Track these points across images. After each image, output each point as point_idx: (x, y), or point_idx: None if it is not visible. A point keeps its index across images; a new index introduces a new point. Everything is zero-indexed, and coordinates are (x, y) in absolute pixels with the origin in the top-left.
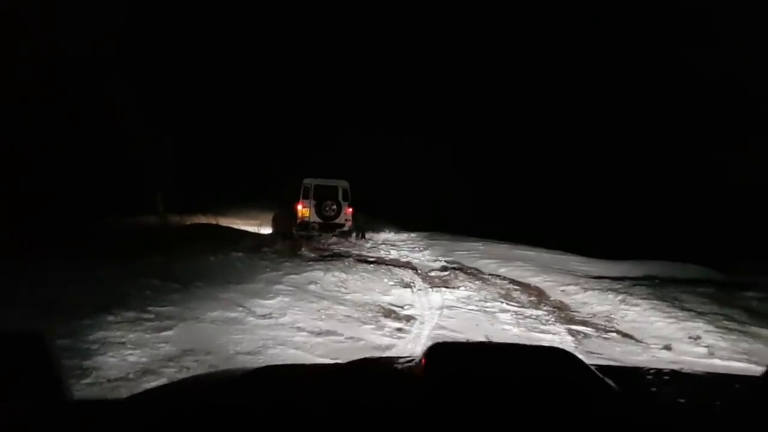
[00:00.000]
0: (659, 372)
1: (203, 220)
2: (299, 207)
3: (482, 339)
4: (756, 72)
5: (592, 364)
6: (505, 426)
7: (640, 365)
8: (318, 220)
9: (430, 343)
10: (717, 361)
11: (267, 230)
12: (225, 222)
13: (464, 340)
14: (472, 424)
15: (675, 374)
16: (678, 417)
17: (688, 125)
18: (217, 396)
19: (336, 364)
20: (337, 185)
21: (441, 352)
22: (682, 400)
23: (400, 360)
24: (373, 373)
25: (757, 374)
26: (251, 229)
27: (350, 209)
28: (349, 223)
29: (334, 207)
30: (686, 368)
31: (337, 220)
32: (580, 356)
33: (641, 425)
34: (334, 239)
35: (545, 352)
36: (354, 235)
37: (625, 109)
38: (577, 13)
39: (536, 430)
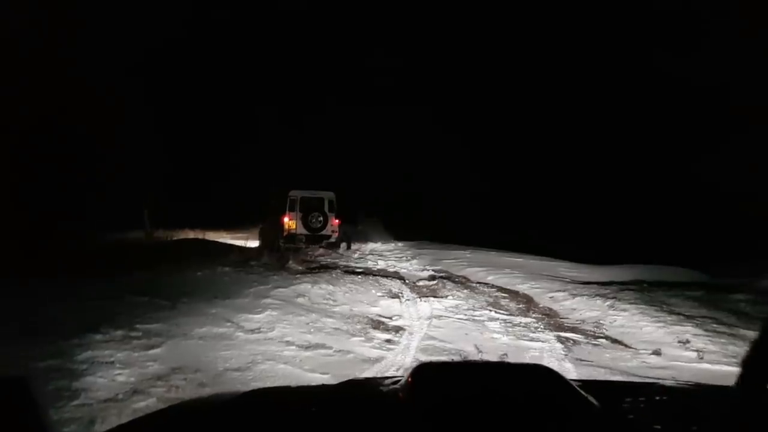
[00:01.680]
0: (648, 386)
1: (191, 234)
2: (285, 219)
3: (472, 348)
4: (734, 76)
5: (577, 380)
6: None
7: (631, 377)
8: (305, 232)
9: (415, 364)
10: (707, 366)
11: (255, 243)
12: (212, 236)
13: (448, 360)
14: None
15: (664, 389)
16: None
17: (671, 131)
18: (203, 425)
19: (323, 386)
20: (323, 197)
21: (426, 373)
22: (665, 419)
23: (386, 381)
24: (360, 396)
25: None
26: (238, 242)
27: (336, 220)
28: (336, 234)
29: (321, 218)
30: (676, 378)
31: (323, 232)
32: (569, 364)
33: None
34: (321, 251)
35: (528, 370)
36: (342, 246)
37: (612, 115)
38: (562, 18)
39: None
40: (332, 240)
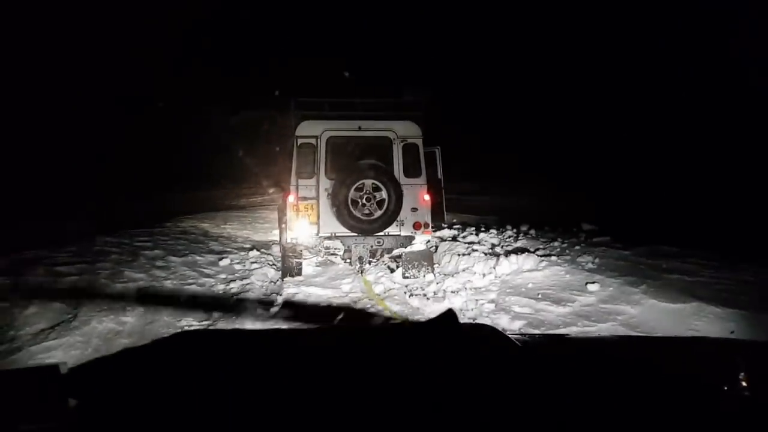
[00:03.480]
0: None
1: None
2: (289, 200)
3: None
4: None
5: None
6: None
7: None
8: (342, 230)
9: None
10: None
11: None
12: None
13: None
14: None
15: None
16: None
17: None
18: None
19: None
20: (389, 135)
21: None
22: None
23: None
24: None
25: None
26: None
27: (429, 194)
28: (426, 231)
29: (383, 194)
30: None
31: (390, 229)
32: None
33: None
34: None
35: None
36: (424, 270)
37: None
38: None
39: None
40: (416, 248)
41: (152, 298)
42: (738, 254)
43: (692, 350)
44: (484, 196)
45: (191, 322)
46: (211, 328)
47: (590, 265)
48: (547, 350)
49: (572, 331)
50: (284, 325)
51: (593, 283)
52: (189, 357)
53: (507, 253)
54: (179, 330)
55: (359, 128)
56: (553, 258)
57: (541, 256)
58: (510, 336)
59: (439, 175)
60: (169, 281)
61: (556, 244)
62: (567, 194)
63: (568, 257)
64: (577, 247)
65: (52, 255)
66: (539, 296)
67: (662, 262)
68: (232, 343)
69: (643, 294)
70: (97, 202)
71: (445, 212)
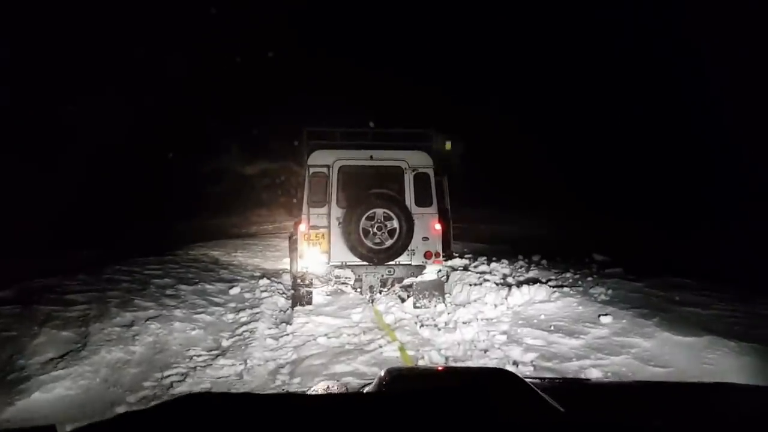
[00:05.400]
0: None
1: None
2: (300, 229)
3: None
4: None
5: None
6: None
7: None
8: (353, 259)
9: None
10: None
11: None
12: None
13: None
14: None
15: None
16: None
17: None
18: None
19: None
20: (401, 165)
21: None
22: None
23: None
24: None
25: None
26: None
27: (439, 225)
28: (437, 261)
29: (395, 223)
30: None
31: (402, 258)
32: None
33: None
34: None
35: (488, 374)
36: (435, 300)
37: None
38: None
39: None
40: (427, 278)
41: (162, 328)
42: (751, 287)
43: (710, 397)
44: (496, 224)
45: (200, 351)
46: (218, 392)
47: (603, 297)
48: (567, 398)
49: (585, 364)
50: (294, 356)
51: (606, 315)
52: (192, 425)
53: (519, 284)
54: (187, 359)
55: (371, 158)
56: (566, 289)
57: (553, 287)
58: (530, 382)
59: (447, 204)
60: (178, 310)
61: (568, 275)
62: (581, 222)
63: (580, 288)
64: (590, 279)
65: (62, 284)
66: (552, 328)
67: (675, 294)
68: (240, 410)
69: (656, 327)
70: (109, 230)
71: (452, 242)
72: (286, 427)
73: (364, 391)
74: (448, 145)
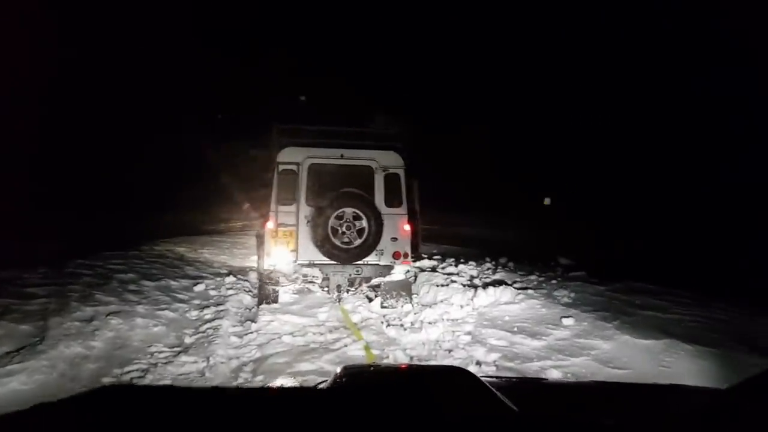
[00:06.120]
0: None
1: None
2: (268, 227)
3: None
4: None
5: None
6: None
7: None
8: (320, 258)
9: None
10: None
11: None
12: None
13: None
14: None
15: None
16: None
17: None
18: None
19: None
20: (372, 165)
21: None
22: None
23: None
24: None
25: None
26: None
27: (408, 225)
28: (406, 262)
29: (363, 222)
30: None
31: (370, 258)
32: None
33: None
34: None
35: (445, 372)
36: (402, 300)
37: None
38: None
39: None
40: (395, 278)
41: (123, 323)
42: (709, 292)
43: (662, 398)
44: (466, 227)
45: (161, 348)
46: (138, 384)
47: (566, 300)
48: (523, 397)
49: (546, 364)
50: (257, 354)
51: (568, 317)
52: (106, 418)
53: (485, 286)
54: (148, 355)
55: (341, 156)
56: (530, 291)
57: (518, 289)
58: (486, 380)
59: (417, 205)
60: (141, 306)
61: (533, 277)
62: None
63: (544, 291)
64: (554, 281)
65: (22, 276)
66: (515, 329)
67: (636, 298)
68: (158, 402)
69: (617, 330)
70: (71, 222)
71: (420, 243)
72: (205, 420)
73: (317, 388)
74: None
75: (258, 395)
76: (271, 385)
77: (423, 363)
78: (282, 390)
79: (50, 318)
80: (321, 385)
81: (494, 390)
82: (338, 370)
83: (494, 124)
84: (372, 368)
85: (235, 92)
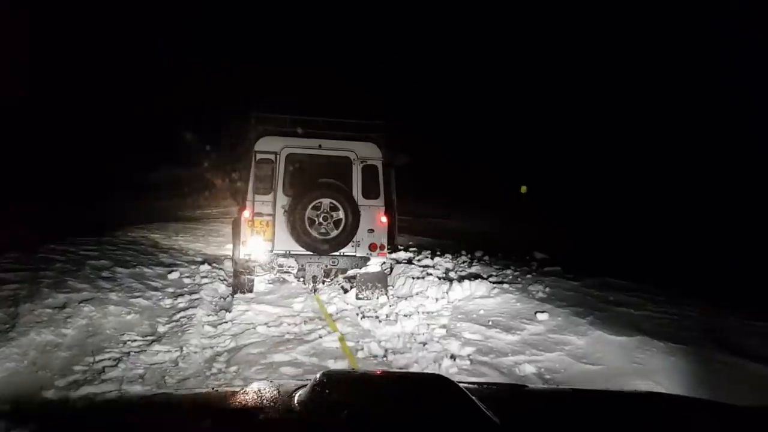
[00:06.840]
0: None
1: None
2: (244, 216)
3: None
4: None
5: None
6: None
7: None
8: (297, 248)
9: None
10: None
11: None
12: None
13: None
14: None
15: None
16: None
17: None
18: None
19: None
20: (349, 156)
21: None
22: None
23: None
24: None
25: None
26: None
27: (385, 217)
28: (382, 254)
29: (341, 214)
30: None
31: (347, 249)
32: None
33: None
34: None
35: (427, 380)
36: (378, 292)
37: None
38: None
39: None
40: (371, 269)
41: (95, 311)
42: (682, 289)
43: (643, 407)
44: (446, 219)
45: (134, 336)
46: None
47: (540, 294)
48: (504, 407)
49: (520, 359)
50: (232, 344)
51: (542, 312)
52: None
53: (460, 279)
54: (121, 344)
55: (320, 146)
56: (505, 285)
57: (493, 283)
58: (468, 387)
59: (393, 197)
60: (114, 293)
61: (508, 271)
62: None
63: (519, 285)
64: (529, 276)
65: None
66: (490, 323)
67: (610, 294)
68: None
69: (590, 325)
70: (43, 207)
71: (397, 235)
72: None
73: (296, 395)
74: None
75: (232, 401)
76: (246, 389)
77: (403, 356)
78: (258, 394)
79: (21, 304)
80: (299, 392)
81: (476, 400)
82: (317, 376)
83: (480, 117)
84: (351, 375)
85: (215, 84)
